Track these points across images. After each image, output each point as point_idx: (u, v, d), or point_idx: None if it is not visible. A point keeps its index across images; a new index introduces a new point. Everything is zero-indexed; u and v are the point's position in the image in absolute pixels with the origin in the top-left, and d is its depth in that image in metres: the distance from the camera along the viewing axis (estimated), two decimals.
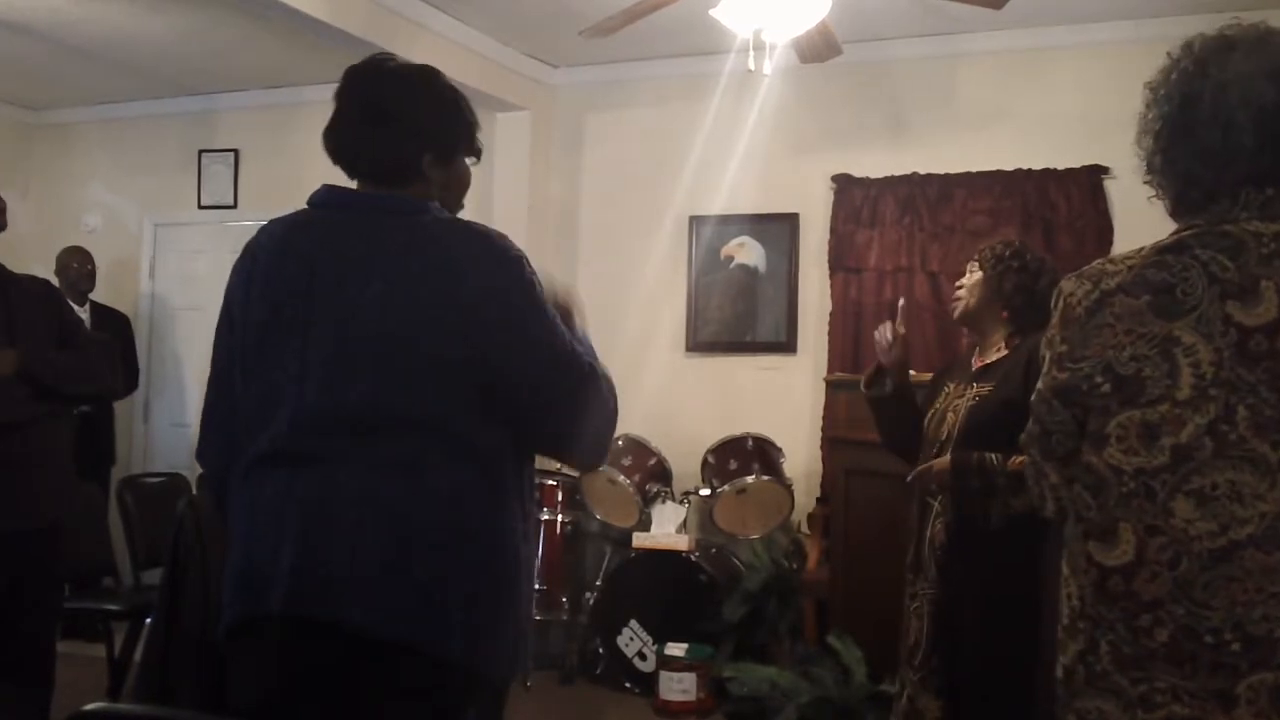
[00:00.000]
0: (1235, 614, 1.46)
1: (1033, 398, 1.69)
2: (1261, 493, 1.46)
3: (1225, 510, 1.47)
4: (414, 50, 4.73)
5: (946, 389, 2.98)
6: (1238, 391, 1.48)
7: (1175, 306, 1.52)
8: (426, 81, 1.87)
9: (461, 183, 1.94)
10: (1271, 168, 1.54)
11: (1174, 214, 1.64)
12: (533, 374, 1.74)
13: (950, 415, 2.84)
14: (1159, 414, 1.51)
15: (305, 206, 1.87)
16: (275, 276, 1.79)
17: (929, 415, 2.97)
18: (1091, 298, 1.59)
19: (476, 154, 1.95)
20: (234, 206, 6.39)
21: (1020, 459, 2.29)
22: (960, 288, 3.00)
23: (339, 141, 1.85)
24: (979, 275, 2.93)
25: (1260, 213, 1.53)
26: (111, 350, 3.50)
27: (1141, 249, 1.59)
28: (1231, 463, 1.48)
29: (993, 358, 2.89)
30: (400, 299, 1.70)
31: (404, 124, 1.82)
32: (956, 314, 3.01)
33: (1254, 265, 1.50)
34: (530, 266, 1.79)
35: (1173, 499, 1.50)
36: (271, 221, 1.88)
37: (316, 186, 1.87)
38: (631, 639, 4.81)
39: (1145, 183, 1.68)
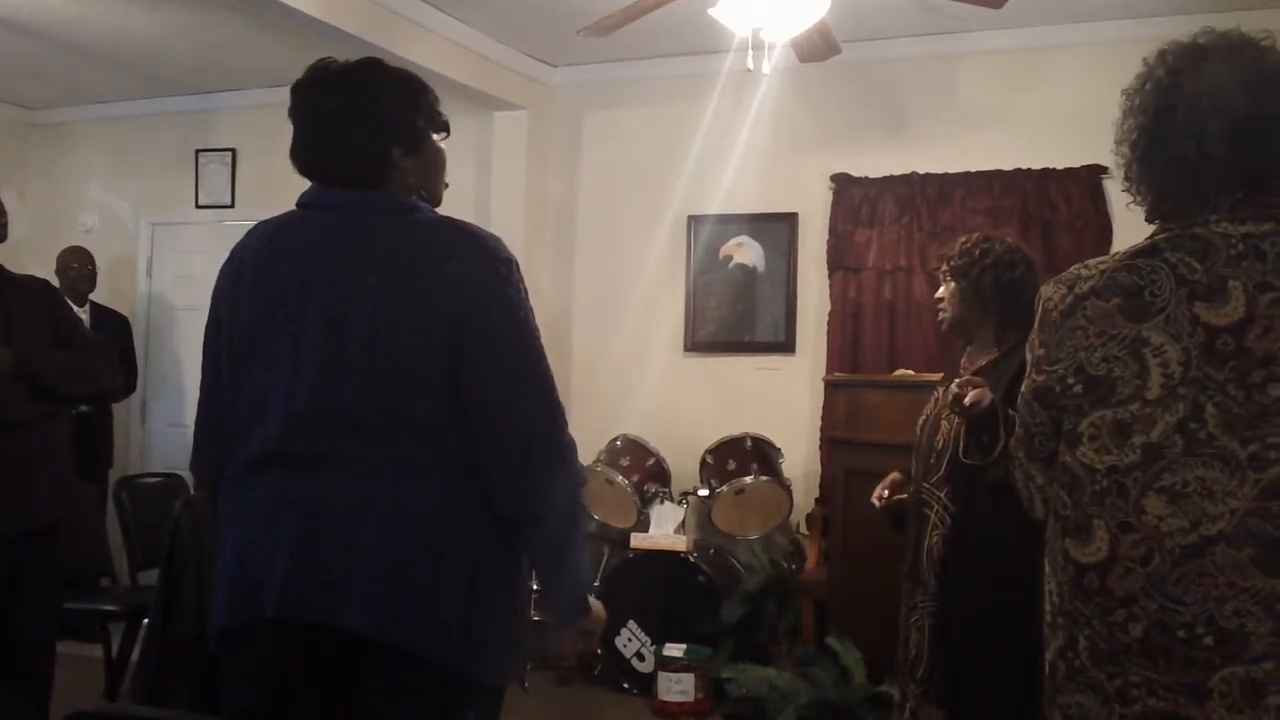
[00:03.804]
0: (1207, 609, 1.48)
1: (1018, 401, 1.73)
2: (1231, 489, 1.48)
3: (1196, 507, 1.50)
4: (411, 49, 4.73)
5: (936, 394, 2.96)
6: (1206, 390, 1.50)
7: (1144, 308, 1.55)
8: (373, 75, 1.85)
9: (437, 163, 1.92)
10: (1243, 175, 1.56)
11: (1150, 219, 1.67)
12: (497, 370, 1.71)
13: (944, 424, 2.81)
14: (1130, 413, 1.55)
15: (294, 207, 1.87)
16: (266, 278, 1.78)
17: (921, 421, 2.95)
18: (1066, 301, 1.63)
19: (444, 129, 1.92)
20: (231, 206, 6.39)
21: None
22: (940, 300, 2.97)
23: (307, 158, 1.84)
24: (953, 285, 2.91)
25: (1230, 215, 1.56)
26: (109, 350, 3.49)
27: (1115, 254, 1.63)
28: (1202, 460, 1.50)
29: (983, 360, 2.87)
30: (389, 297, 1.70)
31: (365, 125, 1.80)
32: (945, 328, 3.00)
33: (1222, 266, 1.52)
34: (519, 273, 1.78)
35: (1144, 496, 1.53)
36: (259, 224, 1.87)
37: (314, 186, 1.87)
38: (630, 640, 4.80)
39: (1124, 189, 1.71)
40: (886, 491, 3.08)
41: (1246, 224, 1.54)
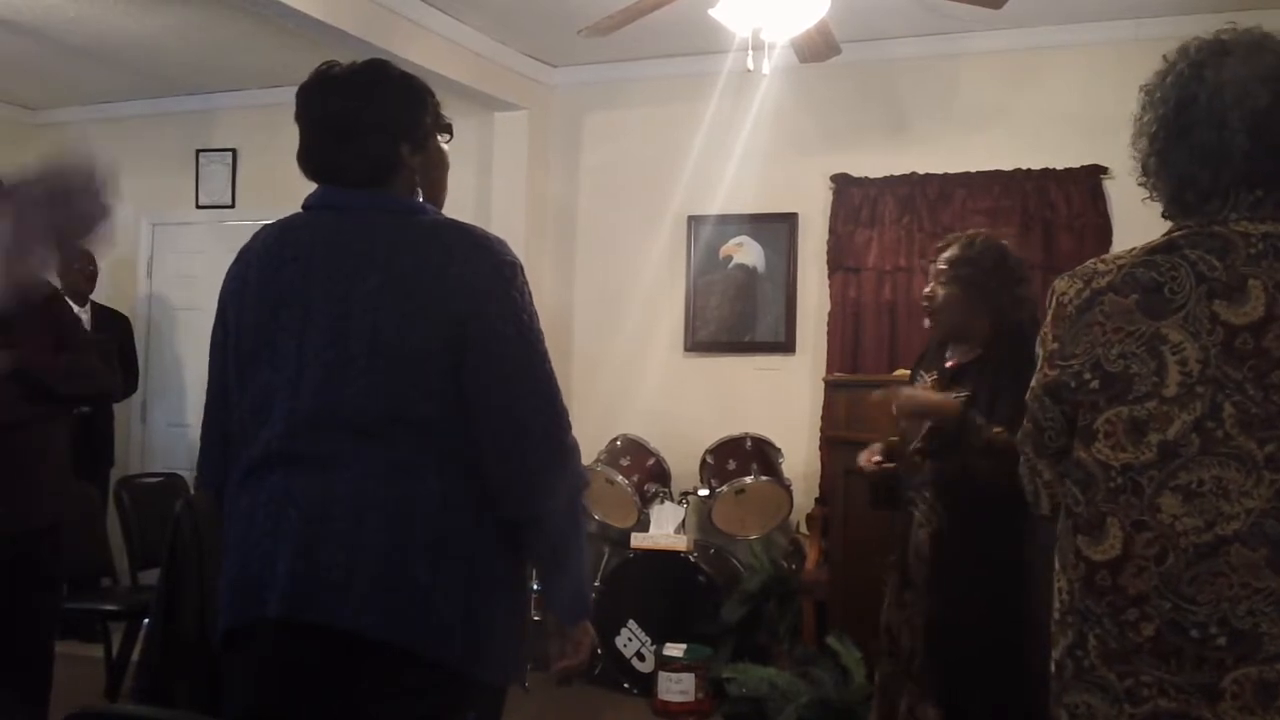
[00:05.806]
0: (1221, 609, 1.48)
1: (1026, 396, 1.72)
2: (1248, 489, 1.48)
3: (1212, 506, 1.49)
4: (411, 49, 4.73)
5: (921, 379, 2.94)
6: (1224, 389, 1.50)
7: (1163, 305, 1.54)
8: (378, 77, 1.86)
9: (441, 164, 1.93)
10: (1264, 170, 1.56)
11: (1168, 215, 1.66)
12: (500, 372, 1.71)
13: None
14: (1146, 411, 1.54)
15: (300, 209, 1.87)
16: (271, 279, 1.79)
17: None
18: (1082, 296, 1.62)
19: (447, 130, 1.93)
20: (232, 206, 6.39)
21: (999, 430, 2.42)
22: (929, 301, 2.88)
23: (316, 161, 1.84)
24: (955, 290, 2.82)
25: (1249, 213, 1.55)
26: (109, 350, 3.49)
27: (1133, 249, 1.62)
28: (1218, 459, 1.49)
29: (968, 357, 2.84)
30: (391, 298, 1.70)
31: (372, 126, 1.80)
32: (941, 335, 2.89)
33: (1241, 264, 1.52)
34: (523, 276, 1.78)
35: (1160, 495, 1.52)
36: (265, 226, 1.88)
37: (315, 186, 1.87)
38: (630, 639, 4.80)
39: (1140, 184, 1.69)
40: (878, 457, 2.99)
41: (1266, 223, 1.53)
